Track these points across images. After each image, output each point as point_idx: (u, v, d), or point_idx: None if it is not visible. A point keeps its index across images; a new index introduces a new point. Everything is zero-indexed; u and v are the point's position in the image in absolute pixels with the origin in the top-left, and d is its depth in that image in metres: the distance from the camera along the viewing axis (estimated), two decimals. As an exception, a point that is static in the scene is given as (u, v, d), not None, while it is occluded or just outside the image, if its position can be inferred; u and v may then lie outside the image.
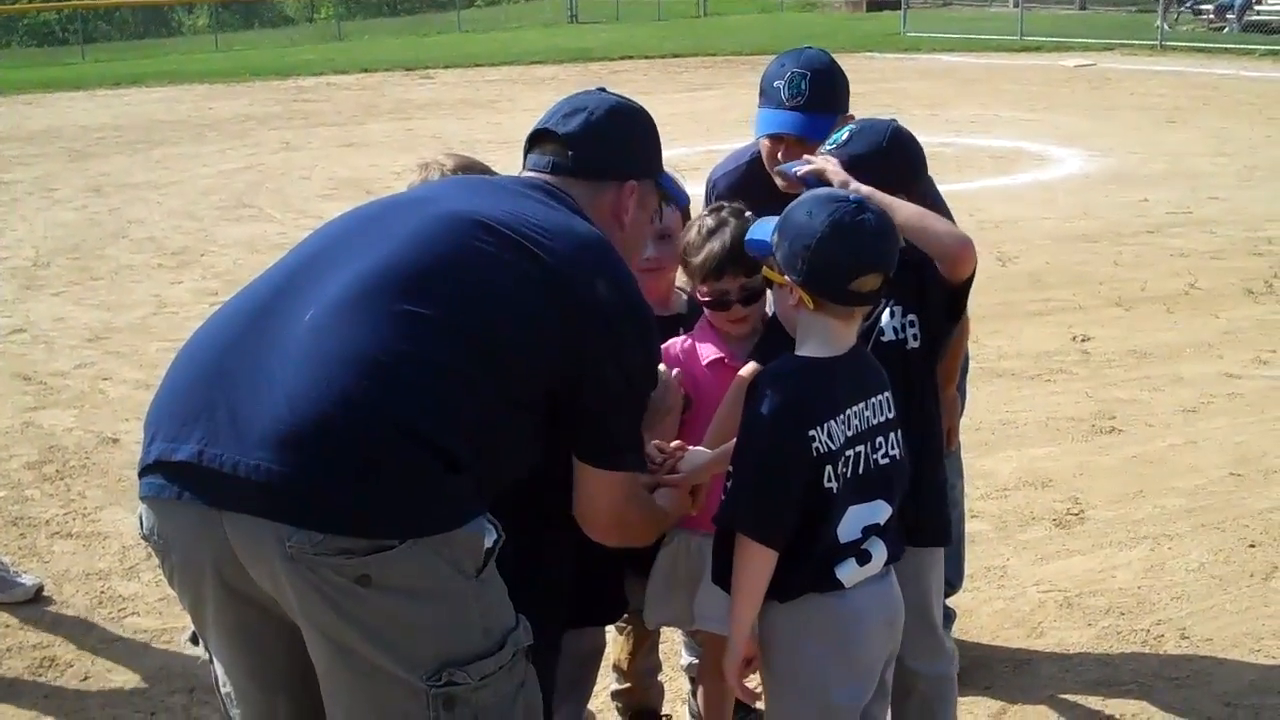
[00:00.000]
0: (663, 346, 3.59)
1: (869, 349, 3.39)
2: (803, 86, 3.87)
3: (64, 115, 22.86)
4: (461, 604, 2.61)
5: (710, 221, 3.58)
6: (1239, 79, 22.21)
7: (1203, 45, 27.69)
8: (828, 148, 3.44)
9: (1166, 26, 29.67)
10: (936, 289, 3.34)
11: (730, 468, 2.99)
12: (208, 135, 19.58)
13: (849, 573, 2.99)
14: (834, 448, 2.91)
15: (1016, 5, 32.45)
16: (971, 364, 7.73)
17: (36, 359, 8.68)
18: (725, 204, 3.69)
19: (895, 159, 3.44)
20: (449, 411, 2.60)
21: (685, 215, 3.77)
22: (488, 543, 2.62)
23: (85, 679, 4.74)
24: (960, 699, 4.29)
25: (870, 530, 3.01)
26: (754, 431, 2.95)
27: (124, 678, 4.72)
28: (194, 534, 2.62)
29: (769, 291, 3.38)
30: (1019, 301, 9.22)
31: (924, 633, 3.60)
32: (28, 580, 5.34)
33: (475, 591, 2.62)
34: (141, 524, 2.72)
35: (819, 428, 2.90)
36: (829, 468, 2.91)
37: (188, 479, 2.58)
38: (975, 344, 8.14)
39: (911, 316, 3.42)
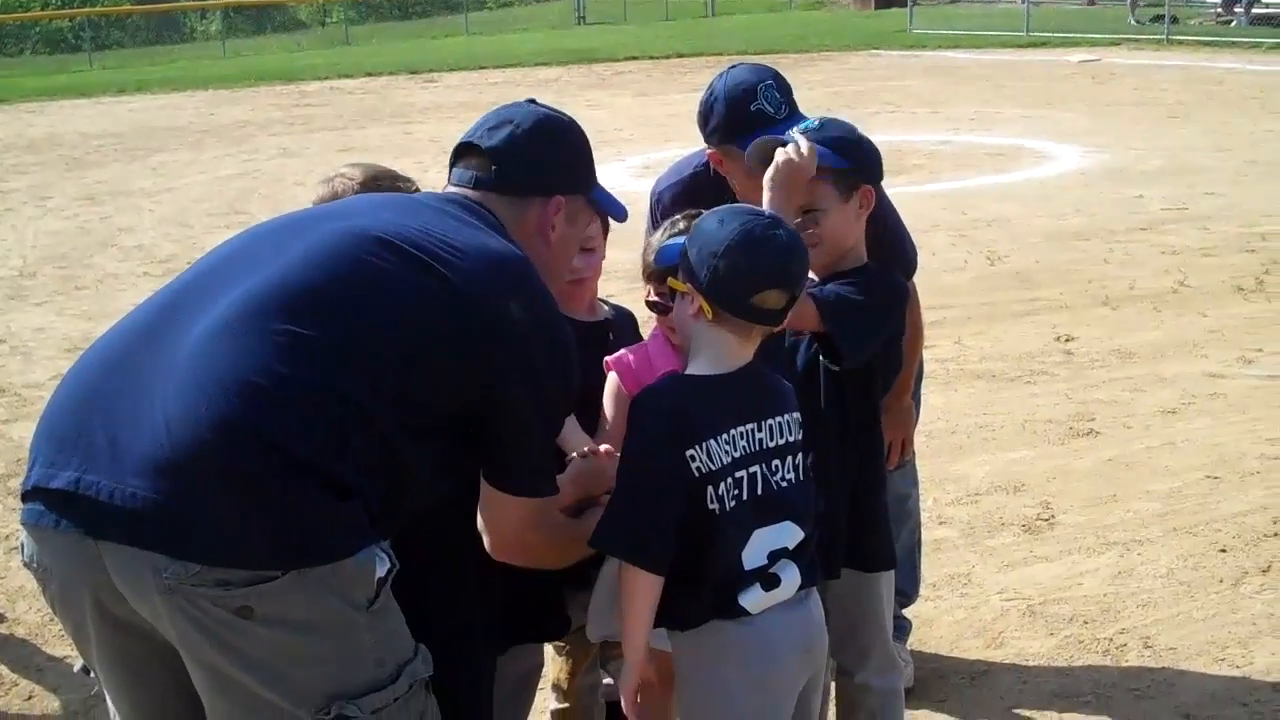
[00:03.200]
0: (617, 355, 3.52)
1: (800, 371, 3.34)
2: (777, 96, 3.81)
3: (66, 123, 22.91)
4: (352, 636, 2.52)
5: (681, 225, 3.50)
6: (1244, 73, 22.04)
7: (1210, 39, 27.53)
8: (800, 130, 3.38)
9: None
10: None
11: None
12: (207, 142, 19.59)
13: (754, 599, 2.89)
14: (714, 468, 2.83)
15: (1023, 1, 32.29)
16: (952, 366, 7.75)
17: (13, 370, 8.65)
18: (702, 212, 3.62)
19: (867, 149, 3.44)
20: (333, 436, 2.51)
21: (607, 226, 3.69)
22: (380, 572, 2.53)
23: (30, 698, 4.67)
24: (914, 713, 4.25)
25: (778, 555, 2.92)
26: (631, 451, 2.88)
27: (68, 697, 4.64)
28: (72, 563, 2.54)
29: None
30: (1005, 301, 9.13)
31: (876, 648, 3.57)
32: (-20, 598, 5.30)
33: (367, 622, 2.54)
34: (23, 551, 2.65)
35: (698, 447, 2.82)
36: (710, 488, 2.83)
37: (65, 506, 2.50)
38: (957, 345, 8.17)
39: None
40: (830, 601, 3.16)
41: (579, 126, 3.13)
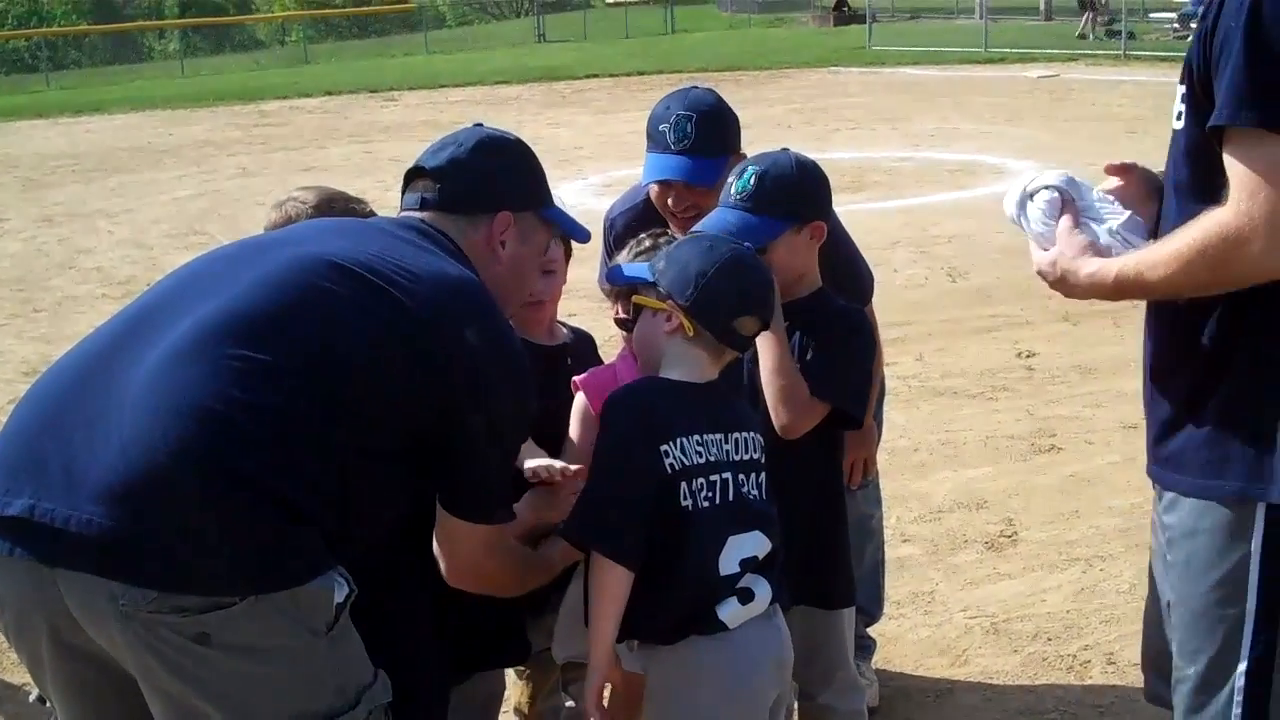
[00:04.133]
0: (585, 375, 3.51)
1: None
2: (688, 129, 3.76)
3: (24, 144, 22.74)
4: (310, 662, 2.51)
5: (646, 243, 3.50)
6: (1201, 88, 22.18)
7: (1166, 54, 27.74)
8: (735, 196, 3.34)
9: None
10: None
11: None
12: (166, 162, 19.48)
13: (731, 612, 2.91)
14: (687, 464, 2.88)
15: (982, 17, 32.50)
16: (914, 383, 7.76)
17: (-31, 395, 8.55)
18: (665, 232, 3.63)
19: (809, 186, 3.40)
20: (290, 461, 2.50)
21: (569, 249, 3.69)
22: (338, 597, 2.52)
23: (-13, 728, 4.63)
24: (878, 732, 4.23)
25: (748, 564, 2.94)
26: (605, 445, 2.92)
27: (22, 728, 4.61)
28: (28, 591, 2.51)
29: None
30: (966, 318, 9.15)
31: (838, 671, 3.57)
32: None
33: (326, 648, 2.53)
34: None
35: (671, 443, 2.88)
36: (684, 485, 2.87)
37: (20, 534, 2.47)
38: (919, 362, 8.17)
39: None
40: (792, 628, 3.16)
41: (525, 145, 3.14)
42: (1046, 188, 2.93)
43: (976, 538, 5.74)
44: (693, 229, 3.46)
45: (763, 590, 2.96)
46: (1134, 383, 7.48)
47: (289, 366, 2.54)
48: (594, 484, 2.93)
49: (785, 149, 3.46)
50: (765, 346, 3.22)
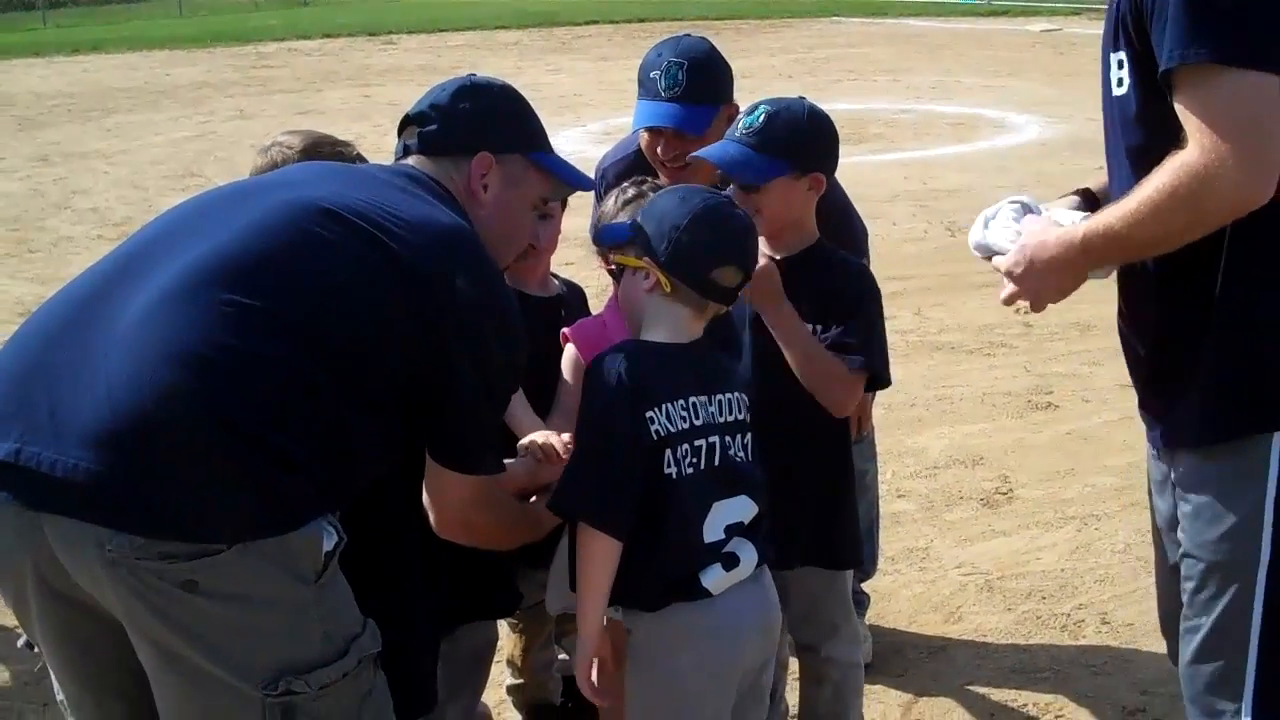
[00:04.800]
0: (574, 326, 3.48)
1: (766, 358, 3.30)
2: (680, 77, 3.75)
3: (19, 83, 22.57)
4: (299, 610, 2.48)
5: (630, 192, 3.46)
6: (1204, 44, 22.04)
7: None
8: (741, 130, 3.30)
9: None
10: None
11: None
12: (163, 103, 19.36)
13: (715, 579, 2.87)
14: (672, 431, 2.83)
15: (986, -31, 32.28)
16: (912, 337, 7.73)
17: (-37, 334, 8.50)
18: (649, 179, 3.59)
19: (817, 136, 3.35)
20: (280, 408, 2.47)
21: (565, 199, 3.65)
22: (327, 546, 2.49)
23: (-23, 669, 4.60)
24: (871, 687, 4.23)
25: (734, 530, 2.90)
26: (590, 412, 2.87)
27: (18, 668, 4.57)
28: (12, 535, 2.48)
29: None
30: (965, 273, 9.07)
31: (841, 624, 3.57)
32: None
33: (314, 597, 2.50)
34: None
35: (656, 409, 2.83)
36: (668, 452, 2.83)
37: (6, 478, 2.43)
38: (917, 316, 8.14)
39: (825, 327, 3.33)
40: (794, 586, 3.14)
41: (512, 90, 3.11)
42: (1010, 203, 2.92)
43: (972, 494, 5.72)
44: (692, 155, 3.43)
45: (748, 555, 2.92)
46: (1133, 341, 7.48)
47: (280, 313, 2.51)
48: (579, 455, 2.89)
49: (802, 97, 3.42)
50: (784, 337, 3.21)
